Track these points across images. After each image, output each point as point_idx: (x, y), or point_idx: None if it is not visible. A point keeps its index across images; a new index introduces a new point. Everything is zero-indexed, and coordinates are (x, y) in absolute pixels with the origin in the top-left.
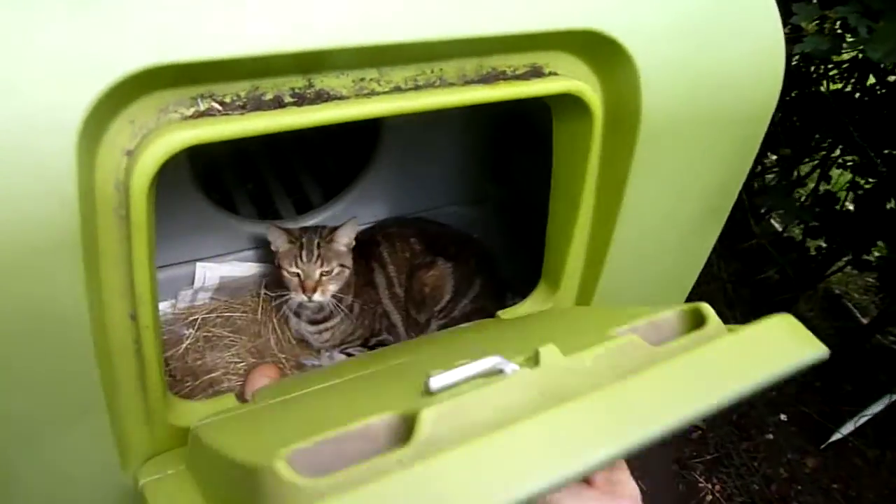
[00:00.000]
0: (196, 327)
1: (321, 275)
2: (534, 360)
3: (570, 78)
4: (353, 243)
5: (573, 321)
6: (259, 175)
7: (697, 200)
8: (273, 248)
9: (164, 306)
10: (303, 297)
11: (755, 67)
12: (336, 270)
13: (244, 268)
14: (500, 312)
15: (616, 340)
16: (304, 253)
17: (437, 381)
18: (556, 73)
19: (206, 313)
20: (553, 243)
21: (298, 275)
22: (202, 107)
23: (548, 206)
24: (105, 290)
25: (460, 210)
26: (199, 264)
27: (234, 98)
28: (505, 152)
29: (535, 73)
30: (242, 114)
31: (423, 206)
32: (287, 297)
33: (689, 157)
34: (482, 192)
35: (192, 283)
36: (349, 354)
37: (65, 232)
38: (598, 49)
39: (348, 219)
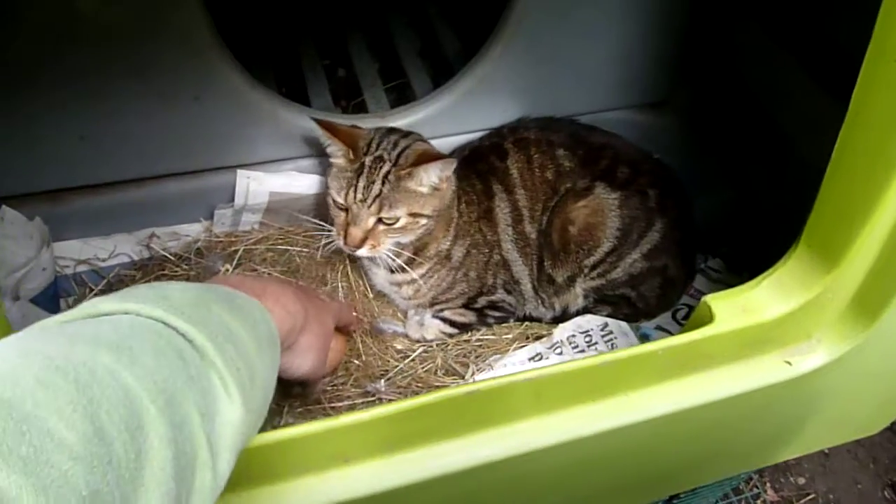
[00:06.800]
0: (235, 262)
1: (378, 222)
2: None
3: None
4: (444, 186)
5: None
6: (346, 52)
7: None
8: (331, 159)
9: (196, 229)
10: (341, 245)
11: None
12: (402, 221)
13: (306, 182)
14: (707, 298)
15: None
16: (359, 182)
17: None
18: None
19: (252, 244)
20: (838, 193)
21: (347, 211)
22: None
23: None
24: None
25: (631, 116)
26: (240, 172)
27: None
28: (711, 29)
29: None
30: None
31: (575, 107)
32: (331, 237)
33: None
34: (666, 93)
35: (233, 198)
36: (448, 321)
37: None
38: None
39: (448, 155)
